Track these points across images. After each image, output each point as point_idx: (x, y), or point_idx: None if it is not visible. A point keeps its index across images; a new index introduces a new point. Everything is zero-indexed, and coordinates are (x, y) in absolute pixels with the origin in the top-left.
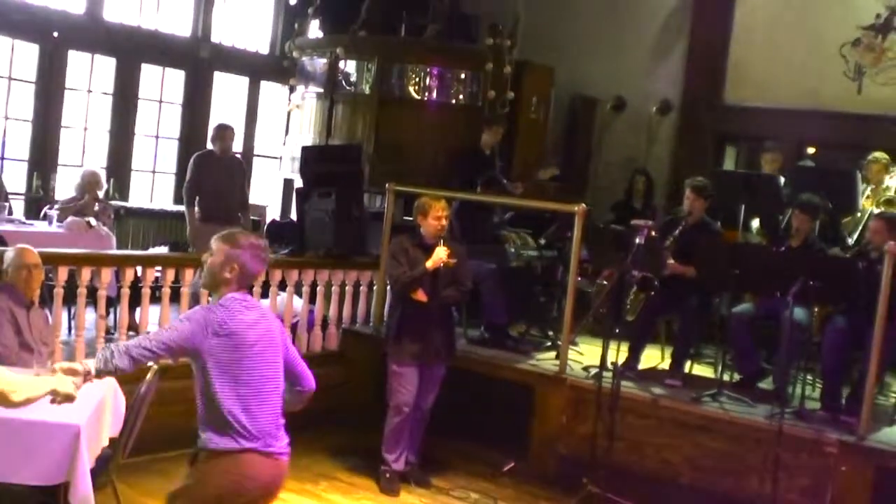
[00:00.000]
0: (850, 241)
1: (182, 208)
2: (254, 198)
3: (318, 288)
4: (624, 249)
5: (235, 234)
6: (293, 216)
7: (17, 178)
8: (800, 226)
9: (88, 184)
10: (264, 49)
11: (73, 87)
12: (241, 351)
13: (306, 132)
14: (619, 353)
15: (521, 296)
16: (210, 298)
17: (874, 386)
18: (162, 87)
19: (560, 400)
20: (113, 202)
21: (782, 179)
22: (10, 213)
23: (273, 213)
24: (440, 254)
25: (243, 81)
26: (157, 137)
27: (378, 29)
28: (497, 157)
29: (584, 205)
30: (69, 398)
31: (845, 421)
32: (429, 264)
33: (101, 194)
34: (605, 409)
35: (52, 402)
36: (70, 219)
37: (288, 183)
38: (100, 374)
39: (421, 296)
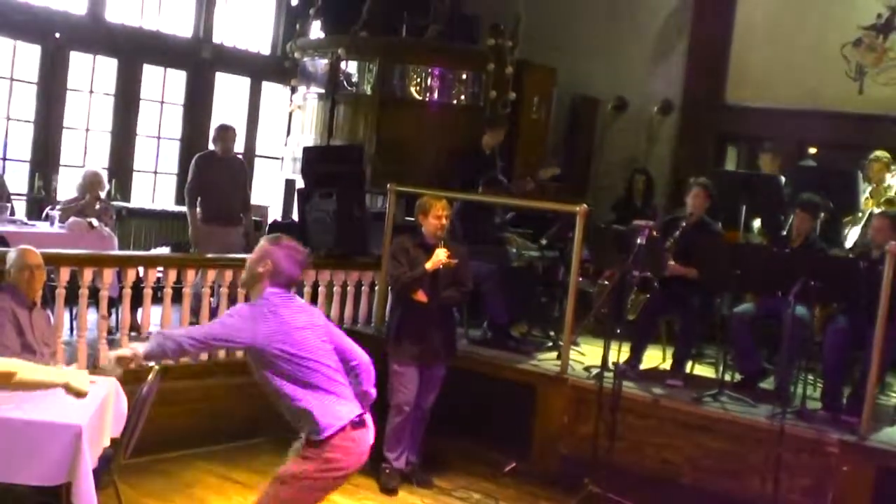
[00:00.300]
0: (851, 240)
1: (184, 209)
2: (255, 198)
3: (319, 288)
4: (625, 250)
5: (279, 235)
6: (295, 217)
7: (19, 179)
8: (800, 225)
9: (90, 184)
10: (266, 50)
11: (75, 87)
12: (292, 336)
13: (308, 133)
14: (620, 353)
15: (522, 296)
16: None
17: (875, 386)
18: (163, 87)
19: (561, 400)
20: (115, 203)
21: (782, 179)
22: (13, 213)
23: (275, 214)
24: (440, 255)
25: (245, 82)
26: (158, 138)
27: (379, 29)
28: (498, 158)
29: (585, 205)
30: (80, 394)
31: (846, 421)
32: (428, 265)
33: (103, 195)
34: (607, 410)
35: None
36: (72, 219)
37: (289, 183)
38: (148, 357)
39: (421, 296)
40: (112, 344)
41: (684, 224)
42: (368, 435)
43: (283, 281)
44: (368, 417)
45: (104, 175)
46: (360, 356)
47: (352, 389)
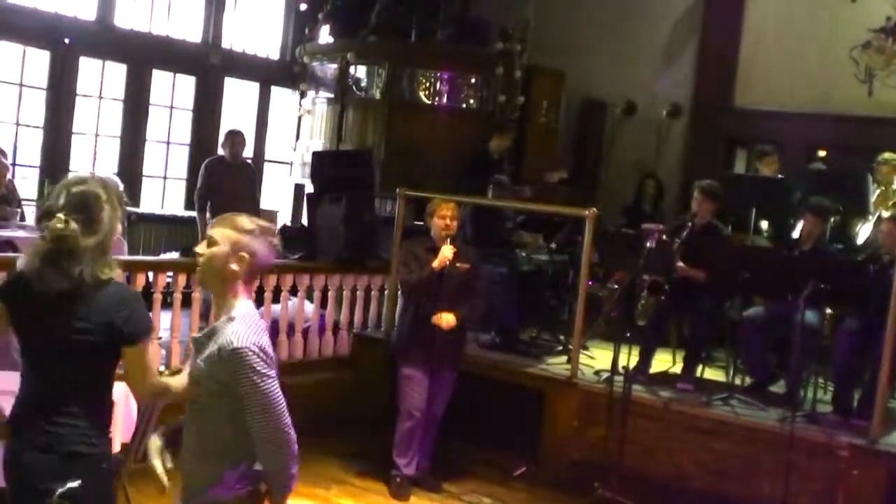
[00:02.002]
0: (860, 243)
1: (193, 214)
2: (265, 203)
3: (328, 293)
4: (635, 253)
5: (236, 218)
6: (304, 221)
7: (28, 185)
8: (810, 229)
9: None
10: (275, 55)
11: (84, 93)
12: None
13: (317, 137)
14: (630, 357)
15: (532, 300)
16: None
17: (886, 389)
18: (173, 93)
19: (571, 404)
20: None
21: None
22: (23, 219)
23: (284, 219)
24: (445, 252)
25: (254, 87)
26: (167, 143)
27: (388, 34)
28: (505, 162)
29: (594, 209)
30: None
31: (857, 424)
32: (435, 264)
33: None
34: (617, 414)
35: None
36: None
37: (299, 188)
38: None
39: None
40: None
41: (691, 226)
42: None
43: (255, 278)
44: None
45: (120, 184)
46: None
47: None
